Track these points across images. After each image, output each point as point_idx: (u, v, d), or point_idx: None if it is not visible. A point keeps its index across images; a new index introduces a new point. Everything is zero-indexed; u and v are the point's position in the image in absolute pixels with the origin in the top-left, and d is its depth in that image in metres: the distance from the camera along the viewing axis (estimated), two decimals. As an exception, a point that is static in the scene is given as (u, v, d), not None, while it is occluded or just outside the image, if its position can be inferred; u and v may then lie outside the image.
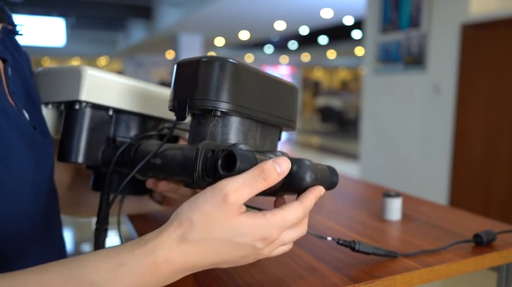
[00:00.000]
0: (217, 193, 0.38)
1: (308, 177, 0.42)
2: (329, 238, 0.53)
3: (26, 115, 0.50)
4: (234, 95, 0.44)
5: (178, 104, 0.45)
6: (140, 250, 0.37)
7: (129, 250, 0.38)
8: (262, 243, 0.40)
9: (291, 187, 0.44)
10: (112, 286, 0.36)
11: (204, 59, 0.44)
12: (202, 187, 0.42)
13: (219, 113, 0.44)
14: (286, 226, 0.40)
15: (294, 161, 0.44)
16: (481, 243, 0.65)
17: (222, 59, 0.44)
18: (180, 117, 0.45)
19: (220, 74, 0.43)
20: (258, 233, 0.39)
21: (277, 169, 0.40)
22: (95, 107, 0.58)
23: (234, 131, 0.46)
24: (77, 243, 3.13)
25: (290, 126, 0.52)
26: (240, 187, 0.38)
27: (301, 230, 0.43)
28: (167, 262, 0.37)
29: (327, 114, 12.14)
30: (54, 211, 0.59)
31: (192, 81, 0.44)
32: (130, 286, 0.37)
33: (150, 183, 0.55)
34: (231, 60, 0.44)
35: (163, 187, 0.54)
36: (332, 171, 0.48)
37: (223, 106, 0.43)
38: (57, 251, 0.59)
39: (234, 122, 0.46)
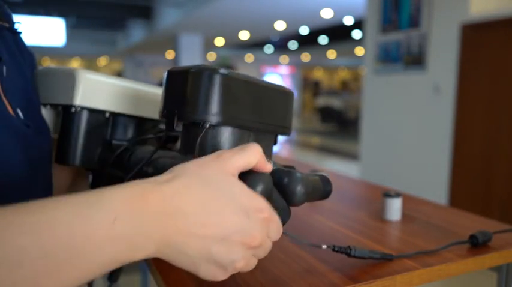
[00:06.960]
0: (212, 154, 0.38)
1: (298, 190, 0.42)
2: (324, 246, 0.53)
3: (20, 114, 0.51)
4: (224, 107, 0.43)
5: (167, 115, 0.45)
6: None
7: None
8: (255, 217, 0.35)
9: None
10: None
11: (193, 70, 0.43)
12: None
13: (207, 125, 0.43)
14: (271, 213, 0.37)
15: (285, 173, 0.43)
16: (477, 244, 0.65)
17: (212, 69, 0.43)
18: (169, 128, 0.44)
19: (209, 86, 0.42)
20: (252, 200, 0.36)
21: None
22: (92, 110, 0.57)
23: (224, 142, 0.45)
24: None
25: (284, 132, 0.52)
26: (232, 150, 0.38)
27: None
28: (155, 190, 0.33)
29: (327, 114, 12.16)
30: None
31: (180, 93, 0.43)
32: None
33: None
34: (220, 71, 0.43)
35: None
36: (324, 180, 0.47)
37: (212, 119, 0.42)
38: None
39: (224, 132, 0.44)
